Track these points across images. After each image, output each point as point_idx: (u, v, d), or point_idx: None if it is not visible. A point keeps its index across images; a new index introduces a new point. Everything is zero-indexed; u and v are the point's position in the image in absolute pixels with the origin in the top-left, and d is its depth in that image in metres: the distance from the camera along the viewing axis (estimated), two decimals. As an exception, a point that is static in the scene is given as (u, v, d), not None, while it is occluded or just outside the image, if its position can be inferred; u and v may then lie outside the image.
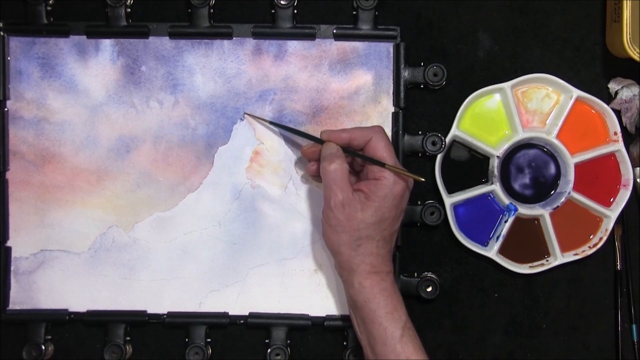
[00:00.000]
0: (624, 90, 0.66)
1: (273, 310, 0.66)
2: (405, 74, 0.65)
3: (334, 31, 0.66)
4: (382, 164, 0.58)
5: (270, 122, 0.65)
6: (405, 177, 0.58)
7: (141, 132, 0.66)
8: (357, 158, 0.61)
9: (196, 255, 0.66)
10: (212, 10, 0.66)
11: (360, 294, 0.57)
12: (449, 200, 0.65)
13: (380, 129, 0.59)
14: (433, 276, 0.66)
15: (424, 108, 0.67)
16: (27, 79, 0.66)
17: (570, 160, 0.65)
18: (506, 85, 0.65)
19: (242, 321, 0.66)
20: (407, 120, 0.66)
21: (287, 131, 0.65)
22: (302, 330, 0.66)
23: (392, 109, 0.66)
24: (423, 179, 0.58)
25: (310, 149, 0.61)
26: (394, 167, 0.57)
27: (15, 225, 0.66)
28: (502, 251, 0.66)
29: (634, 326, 0.66)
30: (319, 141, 0.60)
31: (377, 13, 0.65)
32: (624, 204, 0.65)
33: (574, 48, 0.67)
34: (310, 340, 0.67)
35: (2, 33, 0.66)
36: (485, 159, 0.66)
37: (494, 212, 0.66)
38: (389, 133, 0.66)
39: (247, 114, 0.66)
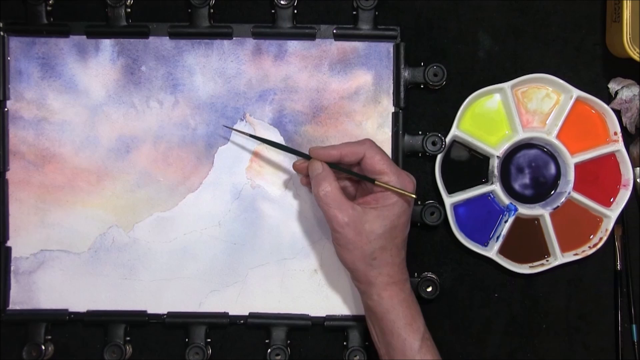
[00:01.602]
0: (624, 90, 0.66)
1: (273, 310, 0.66)
2: (405, 74, 0.65)
3: (334, 31, 0.66)
4: (372, 180, 0.57)
5: (252, 136, 0.64)
6: (411, 180, 0.58)
7: (141, 132, 0.66)
8: (354, 167, 0.60)
9: (196, 255, 0.66)
10: (212, 10, 0.66)
11: (379, 305, 0.57)
12: (449, 200, 0.65)
13: (370, 143, 0.58)
14: (433, 276, 0.66)
15: (424, 108, 0.67)
16: (27, 79, 0.66)
17: (570, 160, 0.65)
18: (506, 85, 0.65)
19: (242, 321, 0.66)
20: (407, 120, 0.66)
21: (273, 146, 0.63)
22: (302, 330, 0.66)
23: (392, 109, 0.66)
24: (414, 196, 0.57)
25: (302, 164, 0.61)
26: (384, 184, 0.56)
27: (15, 225, 0.66)
28: (502, 251, 0.66)
29: (634, 326, 0.66)
30: (306, 156, 0.60)
31: (377, 13, 0.65)
32: (624, 204, 0.65)
33: (574, 48, 0.67)
34: (310, 340, 0.67)
35: (2, 33, 0.66)
36: (485, 159, 0.66)
37: (494, 212, 0.66)
38: (389, 133, 0.66)
39: (226, 126, 0.65)
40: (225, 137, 0.66)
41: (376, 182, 0.57)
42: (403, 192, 0.56)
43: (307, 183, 0.62)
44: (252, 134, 0.65)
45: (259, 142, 0.66)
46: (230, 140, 0.66)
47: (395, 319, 0.56)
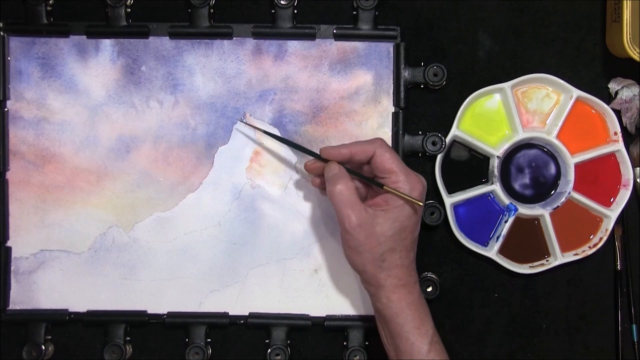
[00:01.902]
0: (624, 90, 0.66)
1: (273, 310, 0.66)
2: (405, 74, 0.65)
3: (334, 31, 0.66)
4: (380, 185, 0.57)
5: (268, 133, 0.64)
6: (420, 181, 0.57)
7: (141, 132, 0.66)
8: (364, 166, 0.60)
9: (196, 255, 0.66)
10: (212, 10, 0.66)
11: (388, 308, 0.57)
12: (449, 200, 0.65)
13: (381, 142, 0.58)
14: (433, 276, 0.66)
15: (424, 108, 0.67)
16: (27, 79, 0.66)
17: (570, 160, 0.65)
18: (506, 85, 0.65)
19: (242, 321, 0.66)
20: (407, 120, 0.66)
21: (287, 145, 0.64)
22: (302, 330, 0.66)
23: (392, 109, 0.66)
24: (421, 204, 0.56)
25: (314, 164, 0.60)
26: (392, 190, 0.56)
27: (15, 225, 0.66)
28: (502, 251, 0.66)
29: (634, 326, 0.66)
30: (318, 157, 0.60)
31: (377, 13, 0.65)
32: (624, 204, 0.65)
33: (574, 48, 0.67)
34: (310, 340, 0.67)
35: (2, 33, 0.66)
36: (485, 159, 0.66)
37: (494, 212, 0.66)
38: (389, 133, 0.66)
39: (242, 121, 0.65)
40: (226, 135, 0.66)
41: (384, 187, 0.56)
42: (410, 198, 0.56)
43: (318, 184, 0.62)
44: (255, 139, 0.65)
45: (259, 142, 0.66)
46: (231, 138, 0.66)
47: (403, 323, 0.56)
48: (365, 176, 0.59)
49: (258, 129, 0.65)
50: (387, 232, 0.56)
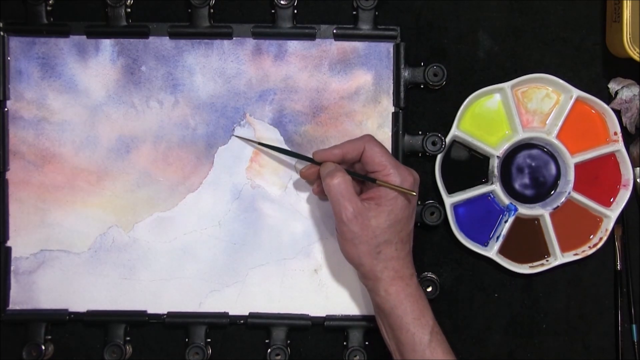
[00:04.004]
0: (624, 90, 0.66)
1: (273, 310, 0.66)
2: (405, 74, 0.65)
3: (334, 31, 0.66)
4: (373, 180, 0.57)
5: (260, 144, 0.64)
6: (410, 173, 0.58)
7: (141, 132, 0.66)
8: (356, 165, 0.61)
9: (196, 255, 0.66)
10: (212, 10, 0.66)
11: (386, 301, 0.57)
12: (449, 200, 0.65)
13: (370, 137, 0.59)
14: (433, 276, 0.66)
15: (424, 108, 0.67)
16: (27, 79, 0.66)
17: (570, 160, 0.65)
18: (506, 85, 0.65)
19: (242, 321, 0.66)
20: (407, 120, 0.66)
21: (280, 152, 0.64)
22: (302, 330, 0.66)
23: (392, 109, 0.66)
24: (414, 193, 0.57)
25: (309, 170, 0.61)
26: (385, 184, 0.57)
27: (15, 225, 0.66)
28: (502, 251, 0.66)
29: (634, 326, 0.66)
30: (312, 160, 0.60)
31: (377, 13, 0.65)
32: (624, 204, 0.65)
33: (574, 48, 0.67)
34: (310, 340, 0.67)
35: (2, 33, 0.66)
36: (485, 159, 0.66)
37: (494, 212, 0.66)
38: (389, 133, 0.66)
39: (236, 135, 0.66)
40: (226, 135, 0.66)
41: (377, 182, 0.57)
42: (403, 189, 0.57)
43: (320, 192, 0.62)
44: (255, 139, 0.65)
45: (259, 143, 0.66)
46: (231, 138, 0.66)
47: (403, 315, 0.57)
48: (358, 173, 0.60)
49: (248, 140, 0.65)
50: (383, 224, 0.56)
